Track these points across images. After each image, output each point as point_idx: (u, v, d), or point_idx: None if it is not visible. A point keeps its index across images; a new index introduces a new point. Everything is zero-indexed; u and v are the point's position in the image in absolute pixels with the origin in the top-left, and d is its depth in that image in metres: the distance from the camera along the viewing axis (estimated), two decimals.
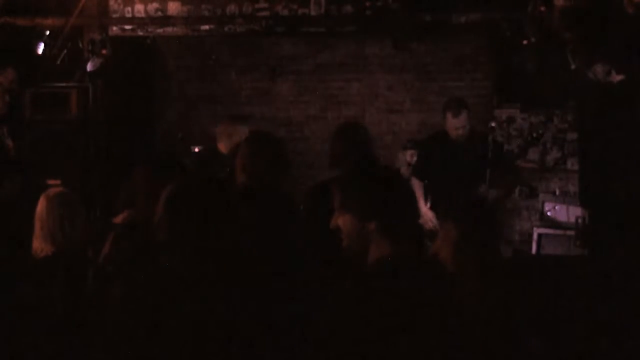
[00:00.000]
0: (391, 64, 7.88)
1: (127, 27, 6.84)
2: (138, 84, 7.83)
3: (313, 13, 6.61)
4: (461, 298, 2.36)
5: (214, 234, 2.36)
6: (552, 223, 6.58)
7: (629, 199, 4.42)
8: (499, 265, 3.24)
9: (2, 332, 3.71)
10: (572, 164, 6.97)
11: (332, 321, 2.19)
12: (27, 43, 6.70)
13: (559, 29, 5.27)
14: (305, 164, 7.44)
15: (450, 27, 6.56)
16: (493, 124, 5.56)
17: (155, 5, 6.77)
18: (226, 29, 6.74)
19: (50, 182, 5.91)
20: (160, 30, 6.82)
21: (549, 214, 6.66)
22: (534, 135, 7.11)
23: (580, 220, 5.73)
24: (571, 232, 6.04)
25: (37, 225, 3.82)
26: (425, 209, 5.40)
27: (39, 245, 3.79)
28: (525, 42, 6.12)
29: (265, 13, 6.67)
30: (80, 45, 6.81)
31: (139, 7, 6.79)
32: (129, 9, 6.79)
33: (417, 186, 5.53)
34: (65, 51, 6.77)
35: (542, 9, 5.71)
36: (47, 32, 6.70)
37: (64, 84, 6.66)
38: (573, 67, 5.09)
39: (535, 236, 6.58)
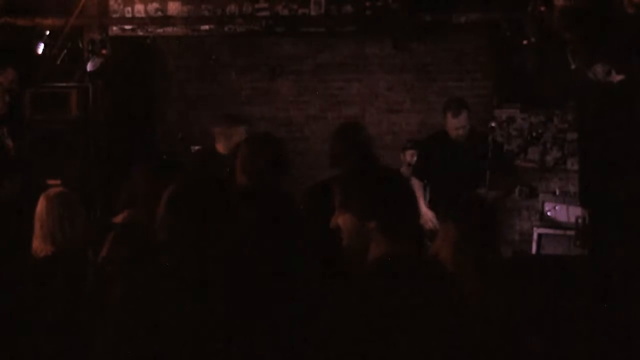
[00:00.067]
0: (391, 64, 7.88)
1: (127, 27, 6.84)
2: (138, 84, 7.83)
3: (313, 13, 6.61)
4: (461, 298, 2.36)
5: (215, 234, 2.37)
6: (552, 223, 6.58)
7: (629, 199, 4.42)
8: (499, 265, 3.24)
9: (2, 332, 3.71)
10: (572, 164, 6.97)
11: (332, 321, 2.19)
12: (27, 43, 6.70)
13: (559, 29, 5.26)
14: (305, 164, 7.44)
15: (450, 27, 6.56)
16: (493, 124, 5.57)
17: (155, 5, 6.77)
18: (226, 29, 6.74)
19: (50, 182, 5.92)
20: (160, 30, 6.82)
21: (549, 214, 6.66)
22: (534, 134, 7.11)
23: (580, 220, 5.73)
24: (571, 232, 6.04)
25: (37, 225, 3.82)
26: (425, 209, 5.40)
27: (39, 245, 3.80)
28: (525, 42, 6.12)
29: (265, 13, 6.67)
30: (80, 45, 6.80)
31: (139, 7, 6.79)
32: (129, 9, 6.79)
33: (417, 186, 5.53)
34: (65, 51, 6.76)
35: (542, 9, 5.71)
36: (47, 32, 6.69)
37: (64, 84, 6.66)
38: (573, 67, 5.08)
39: (535, 236, 6.58)
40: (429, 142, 5.87)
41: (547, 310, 4.23)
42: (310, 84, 8.06)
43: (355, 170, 2.53)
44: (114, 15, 6.83)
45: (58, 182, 5.95)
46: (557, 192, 6.94)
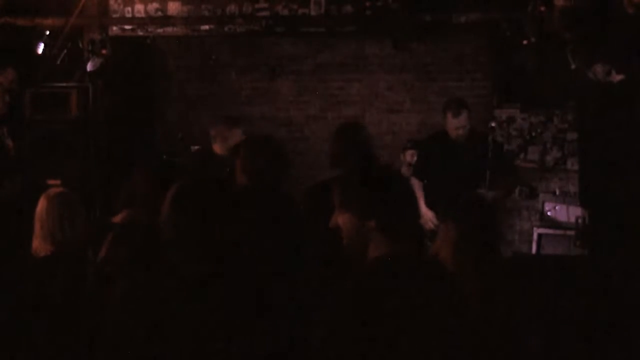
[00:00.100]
0: (391, 64, 7.88)
1: (127, 27, 6.84)
2: (138, 84, 7.82)
3: (313, 13, 6.61)
4: (461, 298, 2.36)
5: (219, 233, 2.37)
6: (552, 223, 6.58)
7: (629, 199, 4.42)
8: (499, 265, 3.24)
9: (2, 332, 3.71)
10: (572, 164, 6.96)
11: (332, 321, 2.19)
12: (27, 43, 6.70)
13: (559, 29, 5.27)
14: (305, 164, 7.44)
15: (450, 27, 6.55)
16: (493, 124, 5.56)
17: (155, 5, 6.77)
18: (226, 29, 6.74)
19: (50, 182, 5.92)
20: (160, 30, 6.82)
21: (549, 214, 6.66)
22: (533, 134, 7.10)
23: (580, 220, 5.73)
24: (571, 232, 6.04)
25: (37, 225, 3.83)
26: (425, 209, 5.40)
27: (39, 245, 3.80)
28: (525, 42, 6.11)
29: (265, 13, 6.67)
30: (80, 45, 6.80)
31: (139, 7, 6.78)
32: (129, 9, 6.79)
33: (417, 186, 5.53)
34: (65, 51, 6.76)
35: (542, 9, 5.70)
36: (47, 32, 6.69)
37: (64, 84, 6.66)
38: (573, 67, 5.08)
39: (535, 236, 6.58)
40: (429, 142, 5.86)
41: (547, 310, 4.23)
42: (310, 84, 8.06)
43: (355, 170, 2.53)
44: (114, 15, 6.83)
45: (58, 182, 5.95)
46: (557, 192, 6.94)
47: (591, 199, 4.80)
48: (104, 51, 6.54)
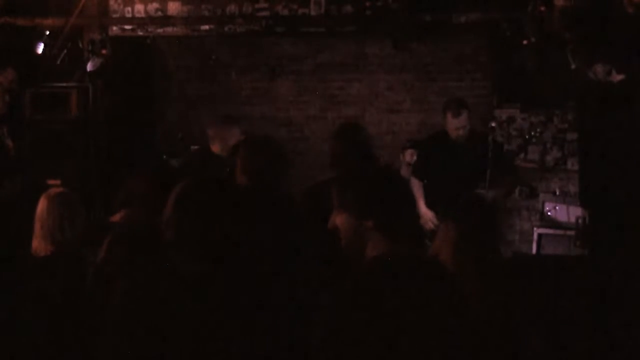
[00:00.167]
0: (391, 64, 7.88)
1: (127, 27, 6.84)
2: (138, 84, 7.83)
3: (313, 13, 6.61)
4: (461, 298, 2.36)
5: (220, 233, 2.37)
6: (552, 223, 6.58)
7: (629, 199, 4.42)
8: (499, 265, 3.24)
9: (2, 332, 3.71)
10: (572, 164, 6.96)
11: (331, 320, 2.19)
12: (27, 43, 6.70)
13: (559, 29, 5.27)
14: (305, 164, 7.44)
15: (450, 27, 6.55)
16: (493, 124, 5.56)
17: (155, 5, 6.77)
18: (226, 29, 6.74)
19: (50, 182, 5.92)
20: (160, 30, 6.82)
21: (549, 214, 6.66)
22: (532, 133, 7.10)
23: (580, 220, 5.73)
24: (571, 232, 6.04)
25: (37, 225, 3.83)
26: (425, 209, 5.40)
27: (39, 244, 3.80)
28: (525, 42, 6.12)
29: (265, 13, 6.67)
30: (80, 45, 6.81)
31: (139, 7, 6.79)
32: (129, 9, 6.80)
33: (417, 186, 5.53)
34: (65, 51, 6.76)
35: (542, 9, 5.71)
36: (47, 32, 6.69)
37: (64, 84, 6.66)
38: (573, 67, 5.09)
39: (535, 236, 6.58)
40: (429, 142, 5.86)
41: (547, 310, 4.23)
42: (310, 84, 8.06)
43: (352, 170, 2.54)
44: (114, 15, 6.83)
45: (58, 182, 5.95)
46: (557, 192, 6.94)
47: (591, 199, 4.80)
48: (104, 51, 6.54)
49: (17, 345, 3.63)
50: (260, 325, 2.37)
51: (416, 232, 4.73)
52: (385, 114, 7.96)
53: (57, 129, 6.50)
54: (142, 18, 6.78)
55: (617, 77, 4.49)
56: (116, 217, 3.47)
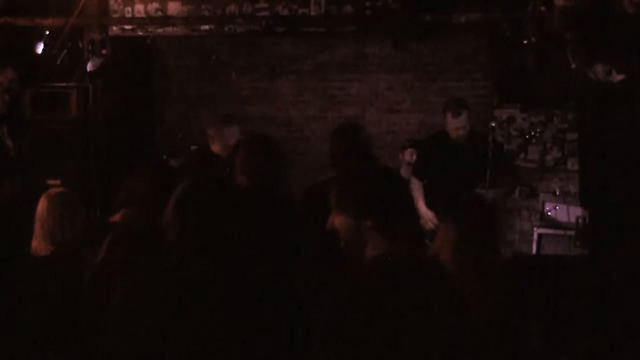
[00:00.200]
0: (391, 64, 7.88)
1: (127, 27, 6.84)
2: (138, 84, 7.83)
3: (313, 13, 6.61)
4: (461, 298, 2.36)
5: (222, 234, 2.37)
6: (552, 223, 6.58)
7: (629, 199, 4.42)
8: (499, 265, 3.24)
9: (2, 332, 3.71)
10: (572, 164, 6.96)
11: (330, 321, 2.19)
12: (27, 43, 6.70)
13: (559, 29, 5.27)
14: (305, 164, 7.44)
15: (450, 27, 6.55)
16: (493, 124, 5.55)
17: (155, 5, 6.77)
18: (226, 29, 6.74)
19: (50, 182, 5.92)
20: (160, 30, 6.82)
21: (549, 214, 6.66)
22: (532, 133, 7.10)
23: (580, 220, 5.73)
24: (571, 232, 6.03)
25: (37, 224, 3.83)
26: (425, 209, 5.40)
27: (39, 244, 3.80)
28: (525, 42, 6.12)
29: (265, 13, 6.67)
30: (80, 45, 6.80)
31: (139, 7, 6.79)
32: (129, 9, 6.80)
33: (417, 186, 5.53)
34: (65, 51, 6.76)
35: (542, 9, 5.71)
36: (47, 32, 6.69)
37: (64, 84, 6.66)
38: (573, 67, 5.09)
39: (535, 236, 6.58)
40: (429, 142, 5.86)
41: (547, 310, 4.23)
42: (310, 84, 8.06)
43: (350, 169, 2.53)
44: (114, 15, 6.83)
45: (58, 182, 5.95)
46: (557, 192, 6.94)
47: (591, 199, 4.80)
48: (104, 51, 6.54)
49: (17, 345, 3.63)
50: (260, 325, 2.37)
51: (415, 232, 4.73)
52: (385, 114, 7.96)
53: (57, 129, 6.50)
54: (142, 18, 6.78)
55: (617, 77, 4.49)
56: (116, 217, 3.47)
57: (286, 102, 8.10)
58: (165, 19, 6.76)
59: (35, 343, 3.61)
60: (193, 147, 6.52)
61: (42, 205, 3.86)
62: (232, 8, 6.70)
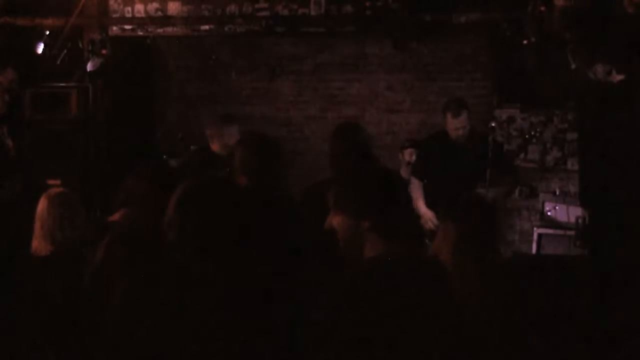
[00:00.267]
0: (391, 64, 7.88)
1: (127, 27, 6.84)
2: (138, 84, 7.83)
3: (313, 13, 6.61)
4: (460, 298, 2.36)
5: (222, 234, 2.37)
6: (552, 223, 6.57)
7: (629, 199, 4.41)
8: (499, 265, 3.24)
9: (2, 332, 3.71)
10: (572, 164, 6.96)
11: (327, 321, 2.19)
12: (27, 43, 6.70)
13: (559, 29, 5.27)
14: (305, 164, 7.44)
15: (450, 27, 6.55)
16: (493, 124, 5.56)
17: (155, 5, 6.77)
18: (226, 29, 6.74)
19: (50, 182, 5.92)
20: (160, 30, 6.82)
21: (549, 214, 6.66)
22: (532, 133, 7.10)
23: (580, 220, 5.72)
24: (571, 232, 6.03)
25: (37, 224, 3.83)
26: (425, 209, 5.40)
27: (39, 244, 3.81)
28: (525, 42, 6.11)
29: (265, 13, 6.67)
30: (80, 45, 6.80)
31: (139, 7, 6.79)
32: (129, 9, 6.79)
33: (417, 186, 5.53)
34: (65, 51, 6.76)
35: (542, 9, 5.70)
36: (47, 32, 6.69)
37: (64, 84, 6.66)
38: (573, 67, 5.08)
39: (535, 236, 6.57)
40: (428, 142, 5.86)
41: (547, 310, 4.23)
42: (310, 84, 8.06)
43: (348, 169, 2.53)
44: (114, 15, 6.83)
45: (58, 182, 5.95)
46: (557, 192, 6.94)
47: (591, 199, 4.80)
48: (104, 51, 6.54)
49: (17, 345, 3.63)
50: (260, 325, 2.37)
51: (413, 233, 4.72)
52: (385, 114, 7.96)
53: (57, 129, 6.50)
54: (142, 18, 6.78)
55: (617, 77, 4.48)
56: (115, 217, 3.46)
57: (286, 102, 8.10)
58: (165, 19, 6.76)
59: (35, 343, 3.61)
60: (193, 147, 6.52)
61: (42, 205, 3.86)
62: (232, 8, 6.69)
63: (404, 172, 6.29)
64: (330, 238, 2.35)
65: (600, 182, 4.59)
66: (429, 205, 5.40)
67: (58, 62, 6.74)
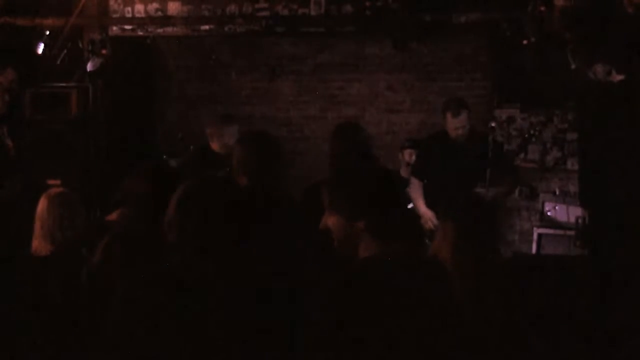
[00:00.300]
0: (391, 64, 7.88)
1: (127, 27, 6.84)
2: (138, 84, 7.83)
3: (313, 13, 6.61)
4: (458, 298, 2.35)
5: (222, 234, 2.37)
6: (552, 223, 6.58)
7: (629, 199, 4.41)
8: (498, 265, 3.24)
9: (2, 332, 3.71)
10: (572, 164, 6.96)
11: (322, 321, 2.19)
12: (27, 43, 6.70)
13: (559, 29, 5.27)
14: (305, 164, 7.44)
15: (450, 27, 6.55)
16: (493, 124, 5.56)
17: (155, 5, 6.77)
18: (226, 29, 6.74)
19: (50, 182, 5.92)
20: (160, 30, 6.82)
21: (549, 214, 6.66)
22: (532, 133, 7.10)
23: (580, 220, 5.72)
24: (571, 232, 6.03)
25: (37, 224, 3.83)
26: (425, 208, 5.40)
27: (39, 244, 3.81)
28: (525, 42, 6.11)
29: (265, 13, 6.67)
30: (80, 45, 6.80)
31: (139, 7, 6.79)
32: (129, 9, 6.80)
33: (416, 186, 5.53)
34: (65, 51, 6.76)
35: (542, 9, 5.70)
36: (47, 32, 6.69)
37: (64, 84, 6.66)
38: (573, 67, 5.08)
39: (535, 236, 6.58)
40: (428, 142, 5.86)
41: (547, 310, 4.23)
42: (310, 84, 8.06)
43: (343, 170, 2.52)
44: (114, 15, 6.83)
45: (58, 182, 5.95)
46: (557, 192, 6.94)
47: (591, 199, 4.80)
48: (104, 51, 6.54)
49: (17, 345, 3.63)
50: (260, 325, 2.37)
51: (409, 233, 4.72)
52: (385, 114, 7.96)
53: (57, 129, 6.50)
54: (142, 18, 6.78)
55: (617, 77, 4.48)
56: (112, 216, 3.46)
57: (286, 102, 8.11)
58: (165, 19, 6.76)
59: (35, 343, 3.61)
60: (193, 147, 6.52)
61: (42, 205, 3.86)
62: (232, 8, 6.70)
63: (403, 172, 6.29)
64: (326, 238, 2.35)
65: (600, 182, 4.59)
66: (429, 205, 5.40)
67: (58, 62, 6.74)
